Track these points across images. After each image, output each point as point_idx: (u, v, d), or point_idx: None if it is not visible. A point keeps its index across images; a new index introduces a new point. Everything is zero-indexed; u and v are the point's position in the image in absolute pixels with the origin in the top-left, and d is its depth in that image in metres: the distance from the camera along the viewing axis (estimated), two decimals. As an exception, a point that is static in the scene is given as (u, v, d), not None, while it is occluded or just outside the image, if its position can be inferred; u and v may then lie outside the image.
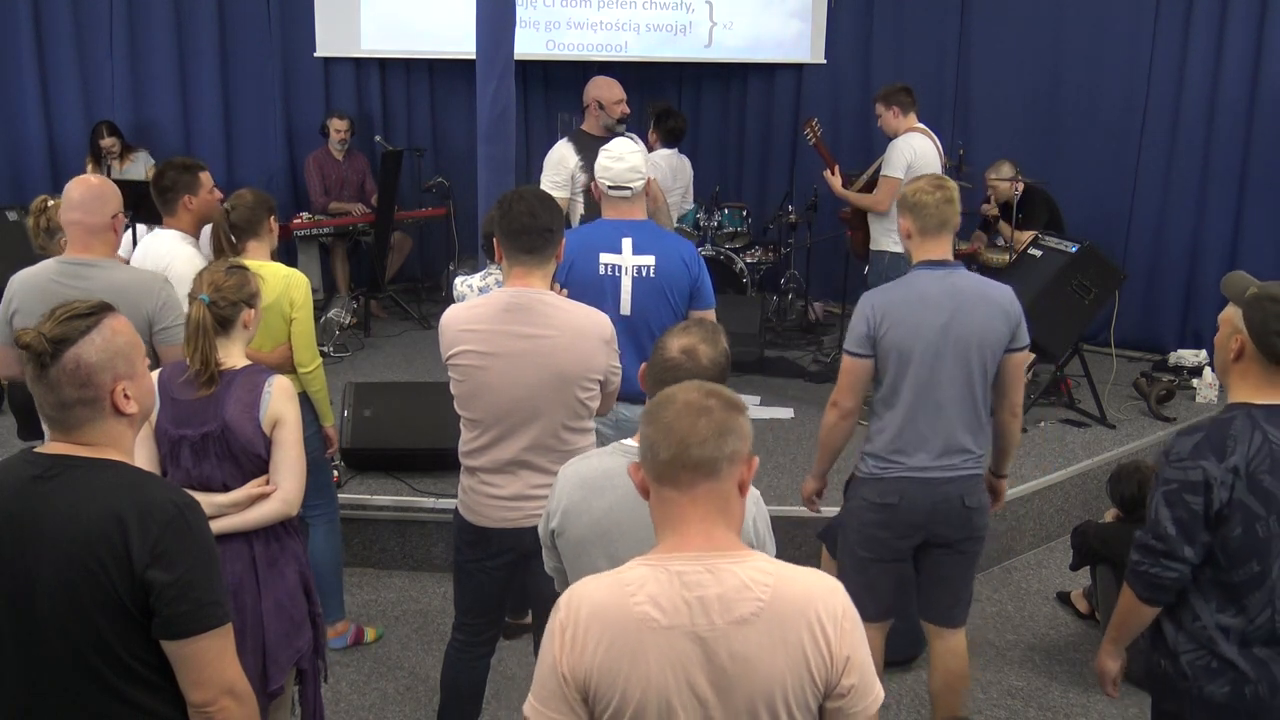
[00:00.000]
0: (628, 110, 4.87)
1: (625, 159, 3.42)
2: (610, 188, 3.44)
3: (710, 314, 3.45)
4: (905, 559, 3.16)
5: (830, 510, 3.73)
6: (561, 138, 4.95)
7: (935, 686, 3.28)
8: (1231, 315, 2.37)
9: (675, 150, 6.13)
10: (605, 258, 3.37)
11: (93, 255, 3.11)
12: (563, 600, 1.67)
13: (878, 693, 1.69)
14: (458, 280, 3.84)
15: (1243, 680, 2.27)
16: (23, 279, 3.13)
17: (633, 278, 3.37)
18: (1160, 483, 2.30)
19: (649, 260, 3.37)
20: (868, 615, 3.19)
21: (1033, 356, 5.97)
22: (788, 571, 1.65)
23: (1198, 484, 2.23)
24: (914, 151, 5.43)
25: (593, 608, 1.62)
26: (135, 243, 3.85)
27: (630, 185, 3.42)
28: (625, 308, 3.36)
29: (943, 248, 3.07)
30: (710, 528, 1.64)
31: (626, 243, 3.38)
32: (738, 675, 1.59)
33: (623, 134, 4.89)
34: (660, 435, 1.64)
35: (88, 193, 3.11)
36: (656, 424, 1.65)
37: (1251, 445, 2.22)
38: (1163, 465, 2.32)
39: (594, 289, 3.33)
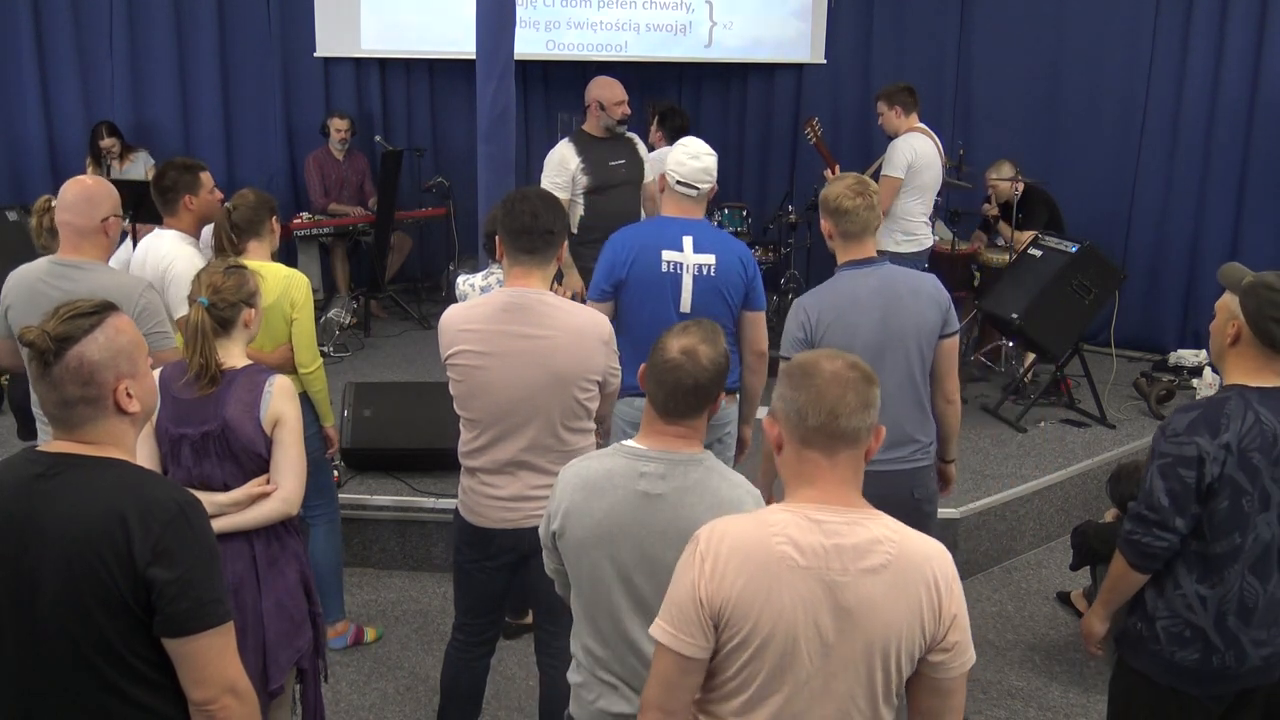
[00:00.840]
0: (628, 111, 4.88)
1: (701, 159, 3.42)
2: (679, 183, 3.43)
3: (760, 316, 3.48)
4: None
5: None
6: (562, 138, 4.96)
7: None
8: (1228, 302, 2.46)
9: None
10: (668, 255, 3.38)
11: (81, 257, 3.12)
12: (703, 532, 1.79)
13: (971, 654, 1.80)
14: (460, 279, 3.85)
15: (1212, 650, 2.42)
16: (18, 276, 3.16)
17: (693, 276, 3.37)
18: (1156, 456, 2.42)
19: (710, 259, 3.38)
20: None
21: (1032, 356, 6.00)
22: (910, 533, 1.80)
23: (1191, 459, 2.35)
24: (914, 152, 5.44)
25: (735, 541, 1.75)
26: (134, 243, 3.85)
27: (699, 186, 3.42)
28: (685, 305, 3.37)
29: (866, 248, 3.15)
30: (846, 488, 1.80)
31: (688, 240, 3.39)
32: (861, 619, 1.73)
33: (623, 134, 4.92)
34: (810, 402, 1.77)
35: (80, 194, 3.12)
36: (807, 390, 1.78)
37: (1244, 424, 2.34)
38: (1159, 439, 2.43)
39: (655, 286, 3.36)
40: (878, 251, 5.52)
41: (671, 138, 5.92)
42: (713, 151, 3.46)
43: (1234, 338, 2.42)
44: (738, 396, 3.60)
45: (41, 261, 3.19)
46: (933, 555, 1.78)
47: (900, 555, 1.75)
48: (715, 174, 3.46)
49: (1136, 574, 2.49)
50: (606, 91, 4.84)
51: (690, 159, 3.42)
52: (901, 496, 3.10)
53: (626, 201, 4.88)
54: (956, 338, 3.21)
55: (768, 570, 1.73)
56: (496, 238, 2.93)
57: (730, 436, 3.59)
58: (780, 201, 7.46)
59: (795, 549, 1.74)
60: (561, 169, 4.75)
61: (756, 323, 3.48)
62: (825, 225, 3.18)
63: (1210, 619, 2.42)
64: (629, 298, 3.41)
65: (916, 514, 3.13)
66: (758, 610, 1.73)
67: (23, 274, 3.16)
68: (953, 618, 1.76)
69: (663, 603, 1.81)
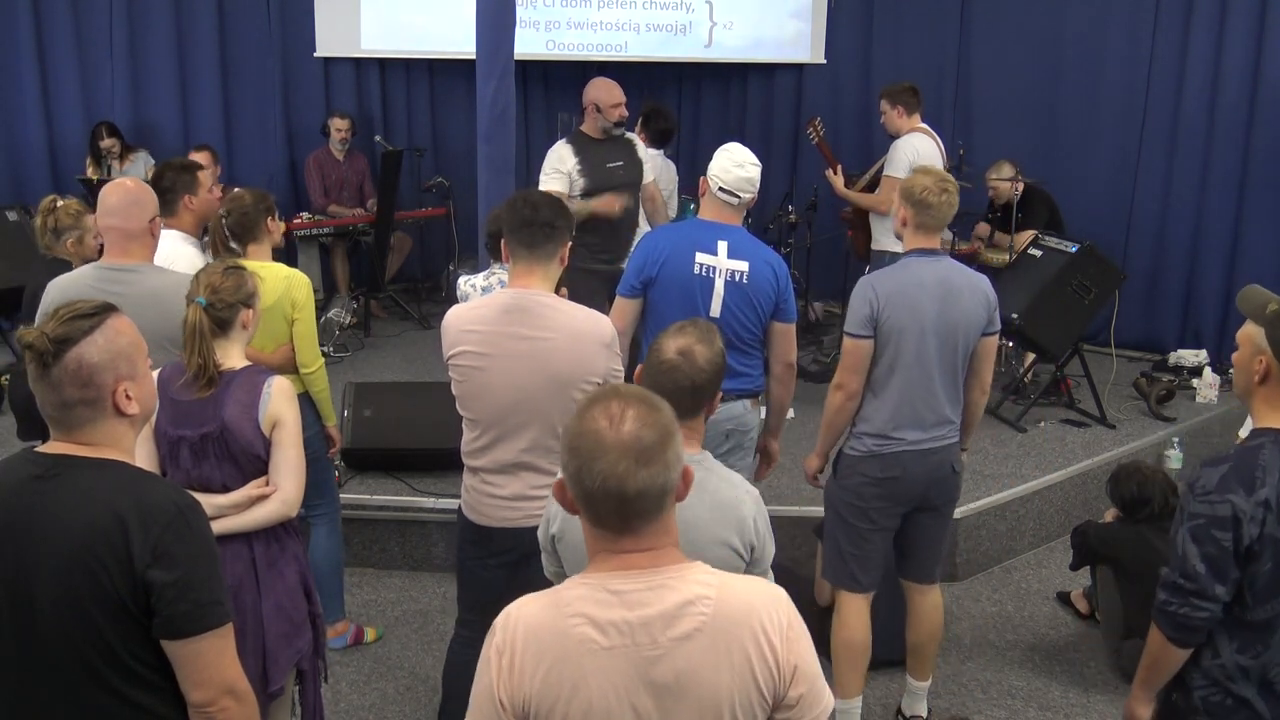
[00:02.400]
0: (625, 114, 4.86)
1: (746, 168, 3.42)
2: (720, 189, 3.42)
3: (790, 329, 3.50)
4: (895, 527, 3.40)
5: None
6: (561, 138, 4.96)
7: (917, 639, 3.55)
8: (1253, 334, 2.22)
9: (661, 152, 6.07)
10: (701, 257, 3.38)
11: (131, 260, 3.09)
12: (498, 622, 1.60)
13: (827, 700, 1.64)
14: (461, 280, 3.85)
15: (1258, 719, 2.21)
16: (62, 286, 3.10)
17: (725, 280, 3.37)
18: (1186, 518, 2.19)
19: (743, 265, 3.38)
20: (859, 587, 3.38)
21: (1032, 356, 6.00)
22: (730, 582, 1.60)
23: (1226, 519, 2.12)
24: (917, 152, 5.44)
25: (529, 629, 1.56)
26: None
27: (741, 195, 3.42)
28: (715, 309, 3.37)
29: (934, 240, 3.30)
30: (653, 543, 1.58)
31: (722, 245, 3.39)
32: (683, 693, 1.54)
33: (622, 136, 4.91)
34: (590, 478, 1.52)
35: (125, 198, 3.09)
36: (587, 467, 1.52)
37: None
38: (1187, 498, 2.20)
39: (685, 287, 3.36)
40: (878, 251, 5.60)
41: (655, 139, 5.90)
42: (758, 162, 3.46)
43: (1262, 375, 2.18)
44: (761, 402, 3.60)
45: (87, 269, 3.15)
46: (758, 604, 1.58)
47: (717, 613, 1.55)
48: (758, 185, 3.47)
49: (1176, 650, 2.24)
50: (604, 93, 4.81)
51: (735, 167, 3.42)
52: (944, 471, 3.34)
53: (626, 203, 4.88)
54: (997, 336, 3.39)
55: (568, 658, 1.53)
56: (501, 239, 2.94)
57: (751, 442, 3.59)
58: (780, 201, 7.46)
59: (595, 629, 1.53)
60: (558, 169, 4.73)
61: (786, 334, 3.49)
62: (902, 213, 3.28)
63: (1254, 688, 2.20)
64: (658, 296, 3.41)
65: (953, 487, 3.43)
66: (564, 704, 1.53)
67: (68, 284, 3.09)
68: (793, 669, 1.57)
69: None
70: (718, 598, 1.56)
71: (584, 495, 1.55)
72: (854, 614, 3.42)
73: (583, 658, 1.53)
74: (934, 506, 3.39)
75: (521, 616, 1.59)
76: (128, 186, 3.15)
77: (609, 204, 4.69)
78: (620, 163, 4.85)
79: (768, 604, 1.59)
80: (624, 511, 1.53)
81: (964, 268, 3.36)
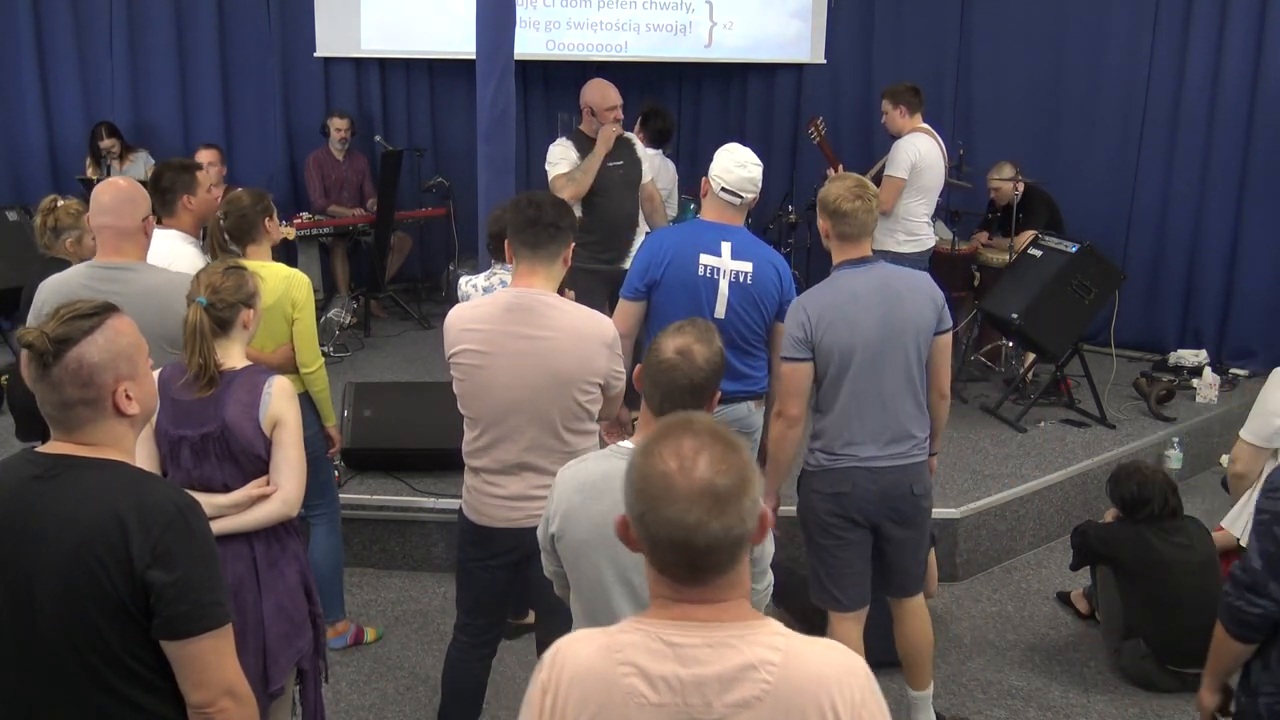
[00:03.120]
0: (620, 116, 4.87)
1: (748, 169, 3.41)
2: (723, 190, 3.42)
3: None
4: (865, 541, 3.26)
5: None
6: (561, 136, 4.97)
7: (905, 651, 3.41)
8: None
9: (660, 152, 6.08)
10: (705, 259, 3.38)
11: (124, 259, 3.09)
12: (548, 656, 1.50)
13: None
14: (462, 280, 3.85)
15: None
16: (54, 285, 3.09)
17: (729, 282, 3.37)
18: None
19: (747, 267, 3.38)
20: (840, 605, 3.28)
21: (1032, 356, 6.00)
22: (800, 647, 1.43)
23: None
24: (918, 152, 5.44)
25: (576, 671, 1.45)
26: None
27: (743, 195, 3.42)
28: (720, 311, 3.37)
29: (863, 249, 3.19)
30: (716, 598, 1.43)
31: (726, 246, 3.39)
32: None
33: (618, 137, 4.92)
34: (662, 534, 1.39)
35: (118, 196, 3.10)
36: (653, 512, 1.39)
37: None
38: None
39: (690, 288, 3.36)
40: (880, 251, 5.59)
41: (654, 139, 5.90)
42: (759, 162, 3.46)
43: None
44: (764, 404, 3.60)
45: (80, 268, 3.14)
46: (830, 676, 1.41)
47: (782, 682, 1.39)
48: (760, 184, 3.45)
49: (1235, 642, 2.23)
50: (597, 96, 4.84)
51: (737, 167, 3.41)
52: (901, 492, 3.19)
53: (624, 203, 4.88)
54: (950, 334, 3.26)
55: (612, 708, 1.41)
56: (503, 239, 2.95)
57: (755, 444, 3.59)
58: (780, 201, 7.46)
59: (645, 681, 1.40)
60: (565, 157, 4.76)
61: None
62: (823, 225, 3.22)
63: None
64: (662, 298, 3.40)
65: (915, 508, 3.23)
66: None
67: (60, 283, 3.09)
68: None
69: None
70: (784, 664, 1.41)
71: (649, 541, 1.41)
72: (843, 637, 3.20)
73: (629, 711, 1.41)
74: (902, 524, 3.24)
75: (570, 655, 1.47)
76: (120, 185, 3.16)
77: (607, 137, 4.70)
78: (620, 162, 4.87)
79: (841, 675, 1.43)
80: (692, 564, 1.39)
81: (902, 271, 3.26)
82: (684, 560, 1.39)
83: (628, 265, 4.72)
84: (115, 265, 3.08)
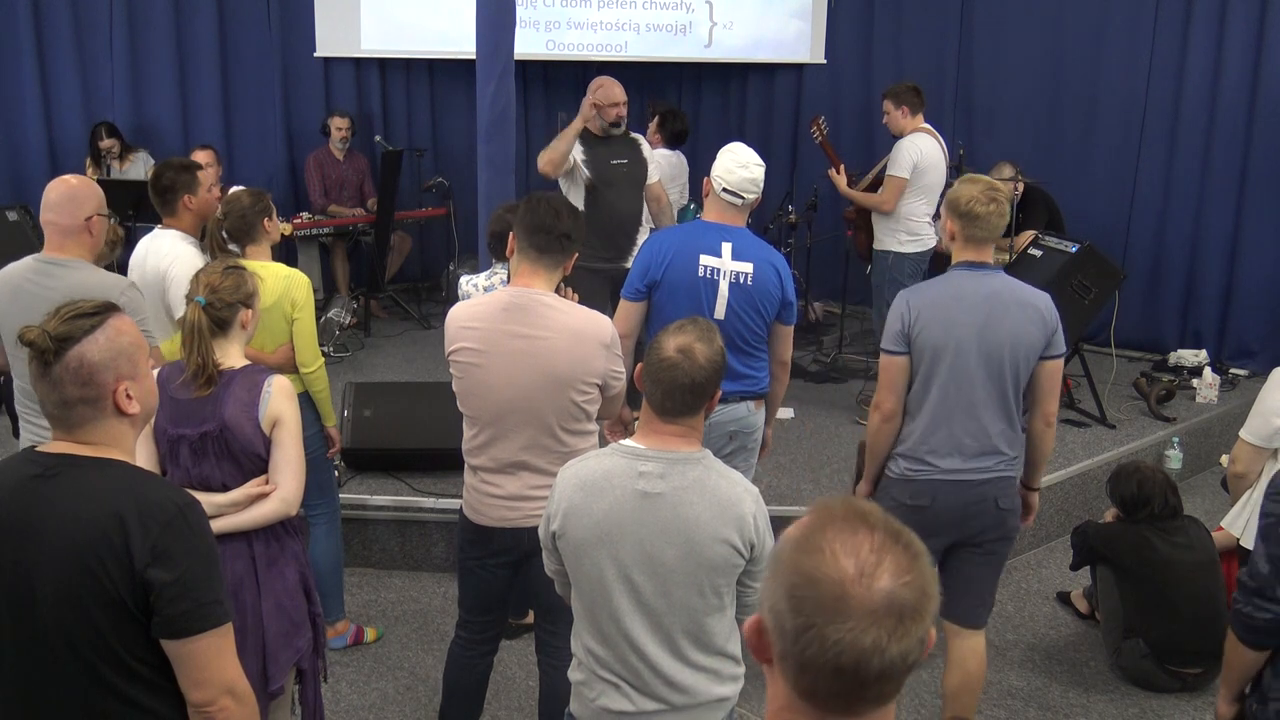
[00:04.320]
0: (623, 114, 4.89)
1: (750, 169, 3.41)
2: (725, 190, 3.41)
3: (790, 331, 3.48)
4: (934, 560, 3.11)
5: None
6: None
7: (951, 686, 3.28)
8: None
9: (677, 151, 6.16)
10: (705, 260, 3.37)
11: (65, 255, 3.13)
12: None
13: None
14: (462, 279, 3.85)
15: None
16: (5, 275, 3.18)
17: (729, 283, 3.37)
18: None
19: (747, 267, 3.37)
20: None
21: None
22: None
23: None
24: (920, 152, 5.44)
25: None
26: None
27: (745, 195, 3.41)
28: (719, 311, 3.36)
29: (985, 253, 3.09)
30: None
31: (727, 247, 3.38)
32: None
33: (625, 135, 4.94)
34: (825, 657, 1.08)
35: (64, 194, 3.14)
36: (820, 639, 1.08)
37: None
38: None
39: (690, 289, 3.35)
40: (881, 251, 5.59)
41: (670, 140, 5.93)
42: (761, 162, 3.45)
43: None
44: (764, 404, 3.60)
45: (27, 260, 3.20)
46: None
47: None
48: (762, 185, 3.45)
49: (1247, 650, 2.19)
50: (600, 93, 4.88)
51: (739, 168, 3.41)
52: (985, 506, 3.05)
53: (628, 201, 4.90)
54: (1061, 361, 3.13)
55: None
56: (503, 238, 2.95)
57: (755, 444, 3.59)
58: (780, 201, 7.46)
59: None
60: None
61: (785, 336, 3.48)
62: (948, 225, 3.11)
63: None
64: (662, 299, 3.40)
65: (998, 523, 3.09)
66: None
67: (8, 273, 3.18)
68: None
69: None
70: None
71: (799, 661, 1.10)
72: None
73: None
74: (978, 543, 3.10)
75: None
76: (70, 183, 3.20)
77: (585, 114, 4.78)
78: (624, 161, 4.89)
79: None
80: (855, 694, 1.10)
81: (1021, 285, 3.13)
82: (846, 689, 1.09)
83: (629, 264, 4.74)
84: (55, 260, 3.12)
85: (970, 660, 3.23)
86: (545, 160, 4.79)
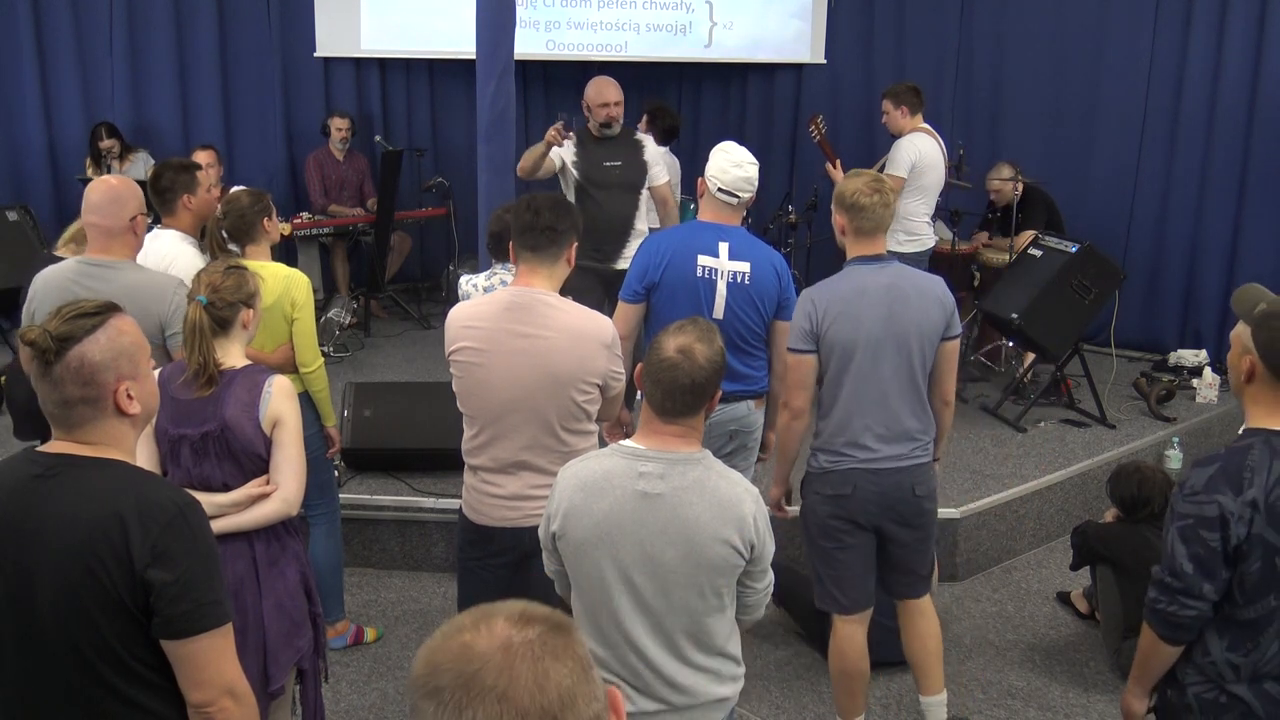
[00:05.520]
0: (613, 114, 4.88)
1: (744, 168, 3.40)
2: (720, 190, 3.41)
3: (790, 326, 3.46)
4: (867, 543, 3.23)
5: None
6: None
7: (913, 653, 3.39)
8: (1241, 333, 2.25)
9: (668, 149, 6.11)
10: (703, 260, 3.37)
11: (111, 256, 3.12)
12: None
13: None
14: (463, 279, 3.86)
15: (1251, 716, 2.22)
16: (44, 278, 3.15)
17: (727, 282, 3.37)
18: (1175, 517, 2.20)
19: (745, 266, 3.37)
20: (842, 608, 3.27)
21: (1032, 356, 6.00)
22: None
23: (1213, 520, 2.13)
24: (919, 152, 5.44)
25: None
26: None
27: (740, 194, 3.41)
28: (718, 311, 3.36)
29: (877, 245, 3.17)
30: None
31: (723, 247, 3.38)
32: None
33: (619, 135, 4.94)
34: None
35: (107, 195, 3.13)
36: None
37: (1270, 475, 2.13)
38: (1176, 499, 2.22)
39: (689, 290, 3.36)
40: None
41: (661, 137, 5.92)
42: (755, 160, 3.45)
43: (1249, 374, 2.21)
44: (765, 403, 3.59)
45: (69, 262, 3.18)
46: None
47: None
48: (756, 183, 3.45)
49: (1167, 647, 2.27)
50: (592, 92, 4.91)
51: (733, 167, 3.40)
52: (903, 494, 3.16)
53: (617, 204, 4.87)
54: (958, 341, 3.23)
55: None
56: (503, 239, 2.96)
57: (755, 443, 3.59)
58: (780, 201, 7.46)
59: None
60: (559, 153, 4.86)
61: (787, 333, 3.48)
62: (838, 220, 3.19)
63: (1245, 685, 2.21)
64: (661, 300, 3.40)
65: (917, 510, 3.21)
66: None
67: (50, 276, 3.15)
68: None
69: None
70: None
71: None
72: (846, 639, 3.27)
73: None
74: (903, 524, 3.21)
75: None
76: (111, 184, 3.19)
77: (549, 137, 4.77)
78: (618, 163, 4.87)
79: None
80: None
81: (915, 272, 3.24)
82: None
83: (620, 265, 4.75)
84: (102, 262, 3.11)
85: (921, 621, 3.36)
86: (519, 165, 4.87)
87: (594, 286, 4.64)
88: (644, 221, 5.07)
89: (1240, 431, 2.30)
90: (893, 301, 3.08)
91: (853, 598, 3.25)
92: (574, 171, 4.83)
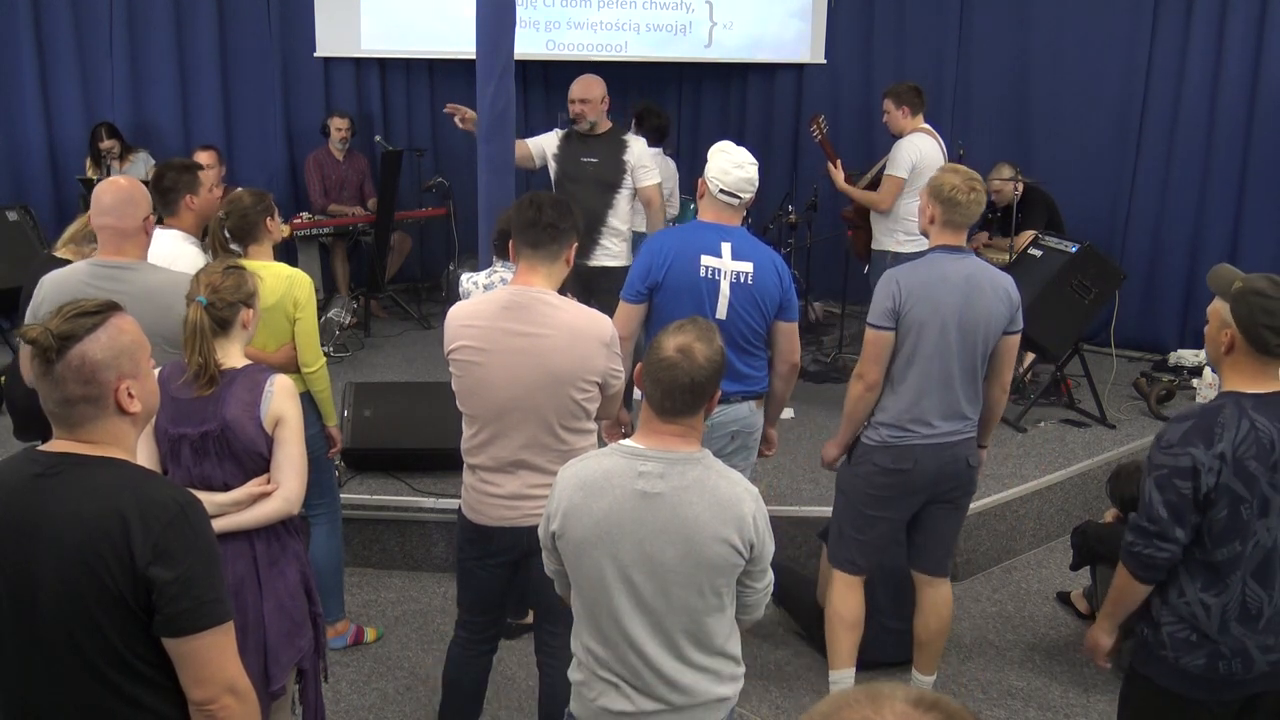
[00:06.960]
0: (581, 110, 4.98)
1: (745, 168, 3.41)
2: (721, 191, 3.41)
3: (794, 327, 3.50)
4: (906, 516, 3.45)
5: (823, 509, 3.73)
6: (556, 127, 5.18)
7: (925, 632, 3.56)
8: (1219, 309, 2.48)
9: (659, 150, 6.08)
10: (706, 260, 3.38)
11: (124, 258, 3.11)
12: None
13: None
14: (463, 277, 3.86)
15: (1219, 656, 2.43)
16: (55, 280, 3.12)
17: (730, 283, 3.37)
18: (1152, 468, 2.42)
19: (747, 267, 3.39)
20: (859, 568, 3.45)
21: (1032, 356, 6.00)
22: None
23: (1186, 470, 2.35)
24: (919, 152, 5.44)
25: None
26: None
27: (740, 195, 3.42)
28: (721, 312, 3.37)
29: (960, 237, 3.36)
30: None
31: (726, 247, 3.39)
32: None
33: (604, 133, 5.00)
34: None
35: (119, 196, 3.12)
36: None
37: (1239, 432, 2.34)
38: (1154, 451, 2.43)
39: (691, 290, 3.36)
40: (879, 251, 5.60)
41: (651, 137, 5.92)
42: (755, 160, 3.46)
43: (1228, 346, 2.43)
44: (764, 402, 3.60)
45: (81, 265, 3.16)
46: None
47: None
48: (757, 183, 3.47)
49: (1140, 585, 2.50)
50: (571, 89, 5.03)
51: (735, 168, 3.41)
52: (958, 466, 3.38)
53: (588, 199, 4.85)
54: (1019, 336, 3.41)
55: None
56: (510, 238, 2.97)
57: (755, 443, 3.59)
58: (780, 202, 7.46)
59: None
60: (541, 143, 5.06)
61: (791, 334, 3.49)
62: (929, 209, 3.34)
63: (1215, 625, 2.42)
64: (664, 301, 3.41)
65: (969, 480, 3.47)
66: None
67: (61, 279, 3.11)
68: None
69: None
70: None
71: None
72: (848, 590, 3.49)
73: None
74: (948, 499, 3.43)
75: None
76: (121, 185, 3.18)
77: (467, 119, 4.96)
78: (594, 159, 4.94)
79: None
80: None
81: (989, 266, 3.40)
82: None
83: (592, 262, 4.82)
84: (116, 264, 3.09)
85: (942, 606, 3.55)
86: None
87: (570, 284, 4.66)
88: (623, 221, 5.06)
89: (1214, 394, 2.47)
90: (970, 291, 3.25)
91: (868, 562, 3.48)
92: (553, 164, 4.96)
